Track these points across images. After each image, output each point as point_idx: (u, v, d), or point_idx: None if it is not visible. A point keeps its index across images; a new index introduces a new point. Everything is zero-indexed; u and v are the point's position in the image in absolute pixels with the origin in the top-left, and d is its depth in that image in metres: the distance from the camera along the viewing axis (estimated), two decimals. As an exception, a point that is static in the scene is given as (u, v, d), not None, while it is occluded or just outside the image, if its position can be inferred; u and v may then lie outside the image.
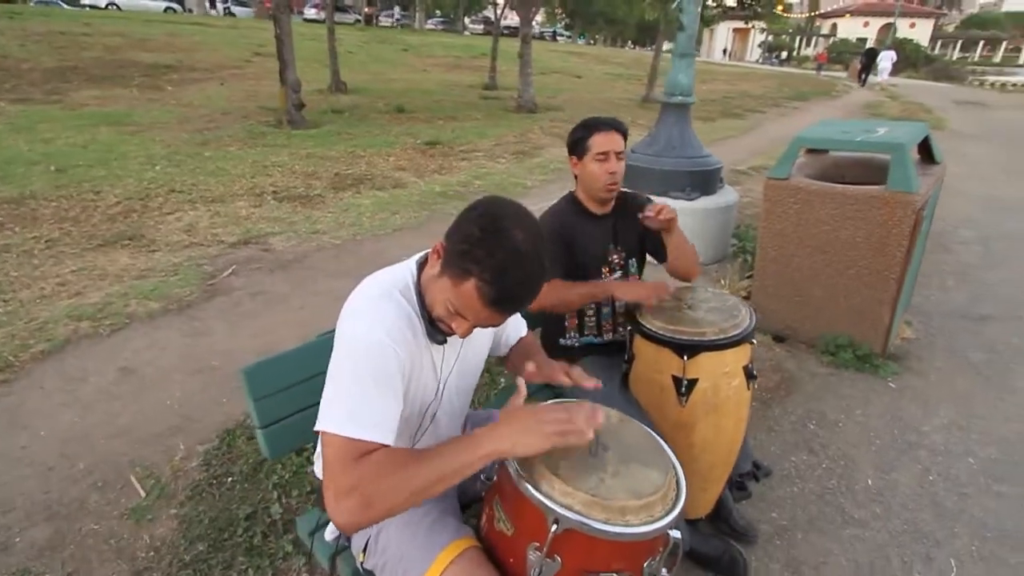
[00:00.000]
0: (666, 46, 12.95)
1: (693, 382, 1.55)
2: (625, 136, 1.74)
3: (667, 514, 1.00)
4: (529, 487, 0.99)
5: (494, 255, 0.93)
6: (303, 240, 4.11)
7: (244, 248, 3.95)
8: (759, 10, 10.58)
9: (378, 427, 0.95)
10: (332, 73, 10.68)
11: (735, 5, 10.92)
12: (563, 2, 11.56)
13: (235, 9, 29.56)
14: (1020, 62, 46.85)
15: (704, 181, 3.54)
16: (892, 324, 2.92)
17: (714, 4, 10.66)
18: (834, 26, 46.53)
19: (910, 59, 31.79)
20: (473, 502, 1.36)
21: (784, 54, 37.96)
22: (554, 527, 0.96)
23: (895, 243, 2.70)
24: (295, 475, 2.03)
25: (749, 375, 1.61)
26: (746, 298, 3.23)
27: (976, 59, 49.59)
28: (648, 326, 1.60)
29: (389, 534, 1.14)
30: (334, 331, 1.53)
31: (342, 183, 5.39)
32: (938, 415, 2.60)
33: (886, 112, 13.28)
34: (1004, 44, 54.47)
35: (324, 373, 1.47)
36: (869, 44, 33.73)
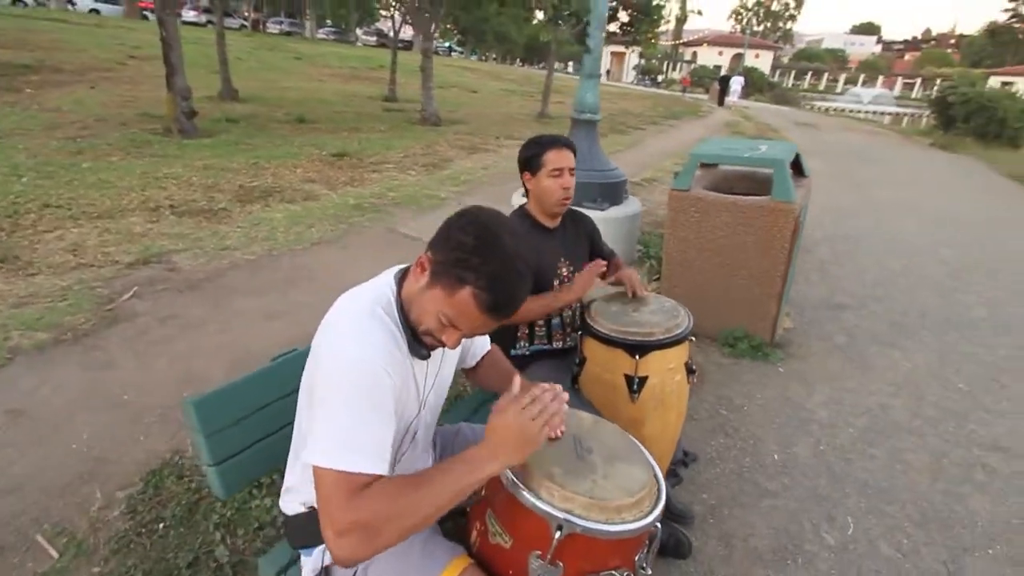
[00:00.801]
0: (572, 67, 13.41)
1: (644, 379, 1.62)
2: (575, 152, 1.79)
3: (654, 508, 1.04)
4: (529, 497, 0.98)
5: (488, 262, 0.92)
6: (212, 257, 3.76)
7: (144, 268, 3.54)
8: (638, 37, 11.35)
9: (374, 457, 0.90)
10: (223, 80, 9.92)
11: (618, 32, 11.62)
12: (456, 19, 11.66)
13: (101, 6, 26.51)
14: (838, 90, 53.94)
15: (612, 192, 3.71)
16: (778, 316, 3.24)
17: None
18: (695, 54, 50.97)
19: (757, 84, 35.50)
20: (449, 518, 1.32)
21: (657, 77, 40.84)
22: (558, 533, 0.96)
23: (779, 246, 3.00)
24: (239, 512, 1.84)
25: (689, 370, 1.71)
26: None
27: (806, 86, 56.44)
28: (601, 329, 1.65)
29: (379, 565, 1.06)
30: (288, 354, 1.44)
31: (248, 196, 5.01)
32: (819, 393, 2.92)
33: (743, 131, 14.72)
34: (825, 75, 62.52)
35: (280, 401, 1.38)
36: (723, 71, 37.39)
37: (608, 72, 46.84)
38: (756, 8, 57.47)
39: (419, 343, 1.03)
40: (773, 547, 1.91)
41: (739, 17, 59.58)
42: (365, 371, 0.92)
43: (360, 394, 0.91)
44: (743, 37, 50.50)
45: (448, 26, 12.37)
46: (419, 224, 4.66)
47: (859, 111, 36.31)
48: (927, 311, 4.06)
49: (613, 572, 1.01)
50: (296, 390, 1.42)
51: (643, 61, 44.01)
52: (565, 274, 1.87)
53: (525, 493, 0.98)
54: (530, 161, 1.76)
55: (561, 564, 0.98)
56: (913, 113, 36.55)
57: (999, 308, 4.25)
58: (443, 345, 1.02)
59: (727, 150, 3.16)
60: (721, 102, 25.29)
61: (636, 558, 1.04)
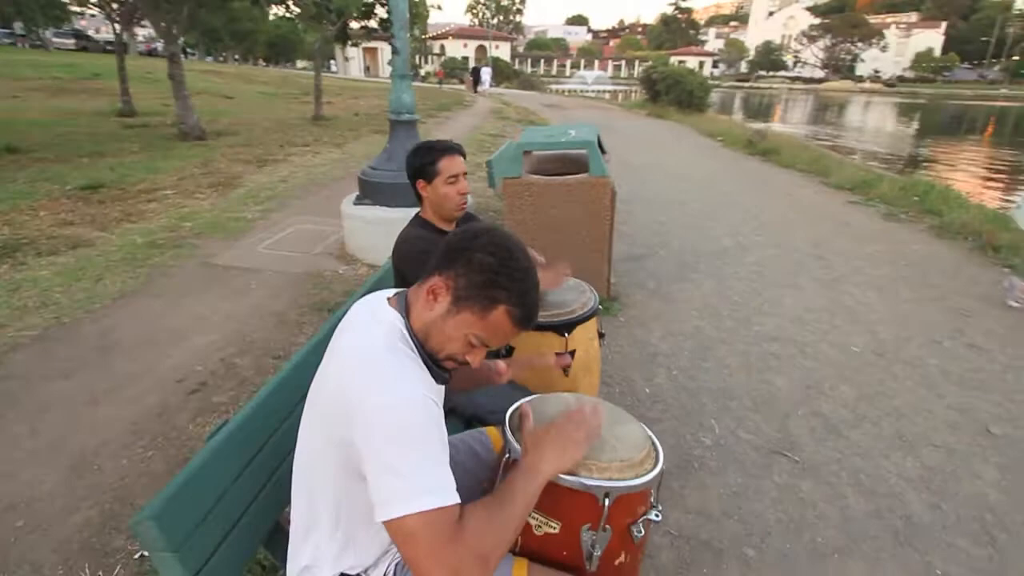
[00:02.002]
0: (333, 66, 12.71)
1: (572, 353, 1.77)
2: (465, 157, 1.81)
3: (659, 453, 1.19)
4: (574, 479, 1.05)
5: (515, 279, 0.95)
6: (-29, 344, 2.83)
7: None
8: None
9: (451, 488, 0.87)
10: None
11: (376, 27, 11.42)
12: (194, 18, 10.18)
13: None
14: (567, 74, 61.13)
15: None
16: (609, 274, 3.70)
17: (359, 26, 10.97)
18: (443, 46, 52.55)
19: (504, 73, 38.25)
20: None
21: (416, 71, 41.23)
22: (606, 501, 1.06)
23: (603, 214, 3.42)
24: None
25: (601, 335, 1.91)
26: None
27: (542, 72, 62.68)
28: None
29: None
30: (222, 427, 1.24)
31: (-20, 257, 3.84)
32: (654, 331, 3.44)
33: (509, 115, 15.87)
34: (555, 61, 70.18)
35: (236, 483, 1.20)
36: (471, 62, 39.49)
37: (367, 68, 45.80)
38: (488, 3, 61.61)
39: (439, 368, 1.01)
40: (674, 462, 2.26)
41: (475, 11, 63.28)
42: (417, 408, 0.88)
43: (421, 432, 0.87)
44: (483, 30, 53.80)
45: (170, 25, 10.62)
46: (236, 252, 4.12)
47: (586, 91, 41.62)
48: (696, 249, 5.01)
49: (645, 515, 1.13)
50: (250, 462, 1.26)
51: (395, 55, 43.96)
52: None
53: (567, 478, 1.05)
54: (424, 169, 1.75)
55: (609, 527, 1.08)
56: (626, 89, 43.31)
57: (738, 237, 5.44)
58: (465, 365, 1.01)
59: (547, 137, 3.46)
60: (475, 90, 26.86)
61: (652, 498, 1.18)
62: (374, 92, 21.26)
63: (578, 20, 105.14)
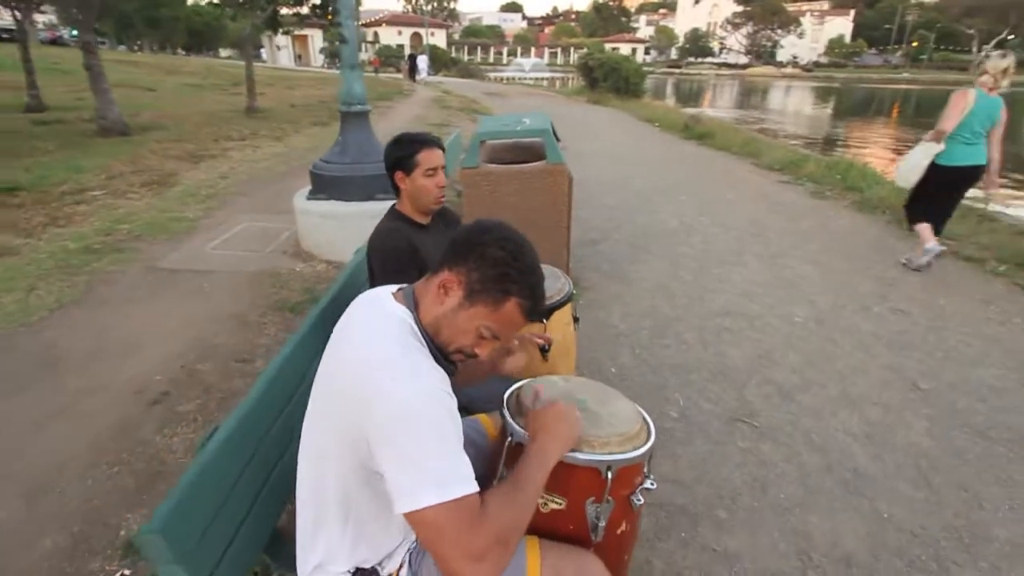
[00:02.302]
0: (264, 54, 12.12)
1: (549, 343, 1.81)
2: (444, 151, 1.80)
3: (650, 426, 1.26)
4: (578, 455, 1.10)
5: (526, 273, 0.98)
6: None
7: None
8: (335, 20, 10.88)
9: (471, 477, 0.89)
10: None
11: (308, 13, 10.93)
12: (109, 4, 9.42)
13: None
14: (504, 62, 60.88)
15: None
16: (568, 259, 3.77)
17: (291, 12, 10.47)
18: (376, 34, 51.01)
19: (442, 60, 37.65)
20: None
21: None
22: (608, 474, 1.11)
23: (561, 201, 3.48)
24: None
25: (575, 320, 1.97)
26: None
27: (479, 60, 62.13)
28: None
29: None
30: (213, 434, 1.20)
31: None
32: (614, 312, 3.55)
33: (451, 104, 15.69)
34: (492, 48, 69.66)
35: (237, 485, 1.18)
36: (407, 50, 38.60)
37: (299, 57, 43.87)
38: (421, -11, 60.40)
39: (447, 361, 1.02)
40: (646, 434, 2.36)
41: (408, -2, 61.86)
42: (434, 400, 0.89)
43: (439, 423, 0.88)
44: (418, 16, 52.59)
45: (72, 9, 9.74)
46: (183, 254, 3.90)
47: (524, 78, 41.67)
48: (645, 231, 5.18)
49: (641, 485, 1.20)
50: (246, 467, 1.23)
51: (327, 44, 42.38)
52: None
53: (574, 455, 1.09)
54: (403, 161, 1.73)
55: (611, 499, 1.13)
56: (563, 76, 43.66)
57: (683, 218, 5.66)
58: (473, 357, 1.04)
59: (503, 127, 3.47)
60: (412, 79, 26.29)
61: (645, 469, 1.25)
62: (308, 82, 20.45)
63: (512, 7, 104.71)
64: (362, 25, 48.74)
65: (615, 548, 1.18)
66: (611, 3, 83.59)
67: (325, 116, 11.41)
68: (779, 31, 78.37)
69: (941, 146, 3.83)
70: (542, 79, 41.93)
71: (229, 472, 1.17)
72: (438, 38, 49.70)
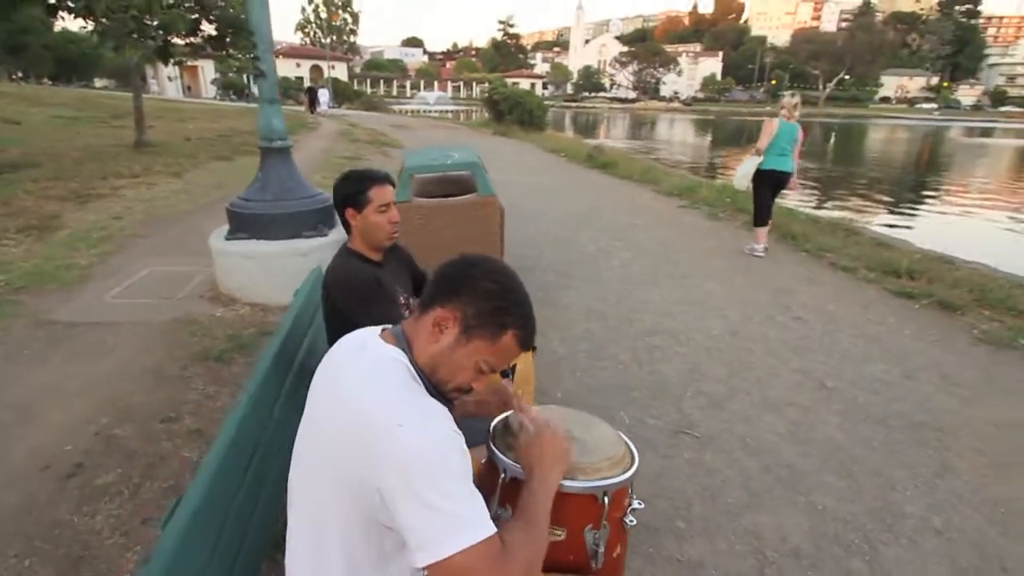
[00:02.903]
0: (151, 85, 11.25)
1: (514, 366, 1.82)
2: (395, 187, 1.78)
3: (631, 447, 1.30)
4: (574, 484, 1.11)
5: (519, 303, 0.99)
6: None
7: None
8: (235, 53, 10.34)
9: (488, 515, 0.87)
10: None
11: (203, 45, 10.35)
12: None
13: None
14: (408, 95, 61.14)
15: (327, 216, 3.58)
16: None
17: (183, 43, 9.84)
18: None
19: (344, 94, 37.06)
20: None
21: (246, 92, 37.92)
22: (605, 499, 1.13)
23: (494, 232, 3.54)
24: None
25: (533, 348, 1.99)
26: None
27: (382, 92, 61.87)
28: None
29: None
30: (179, 507, 1.10)
31: None
32: (552, 338, 3.61)
33: (359, 137, 15.41)
34: (395, 82, 69.76)
35: (210, 560, 1.07)
36: (306, 82, 37.64)
37: (188, 88, 41.27)
38: (320, 23, 59.11)
39: (444, 399, 1.00)
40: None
41: (306, 31, 60.30)
42: (447, 442, 0.87)
43: (455, 466, 0.86)
44: (317, 49, 51.51)
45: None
46: (78, 305, 3.46)
47: (429, 111, 42.07)
48: (567, 258, 5.36)
49: (631, 506, 1.23)
50: (222, 531, 1.14)
51: (219, 75, 40.23)
52: (405, 303, 1.87)
53: (573, 484, 1.10)
54: (354, 198, 1.69)
55: (607, 523, 1.15)
56: (466, 109, 44.58)
57: (599, 243, 5.93)
58: (468, 393, 1.03)
59: (432, 161, 3.49)
60: (312, 111, 25.71)
61: (630, 491, 1.29)
62: (201, 114, 19.22)
63: (413, 42, 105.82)
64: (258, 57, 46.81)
65: (611, 572, 1.20)
66: (509, 41, 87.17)
67: (226, 150, 10.76)
68: (660, 69, 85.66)
69: (760, 158, 5.34)
70: (446, 112, 42.48)
71: (203, 545, 1.06)
72: (339, 71, 48.91)
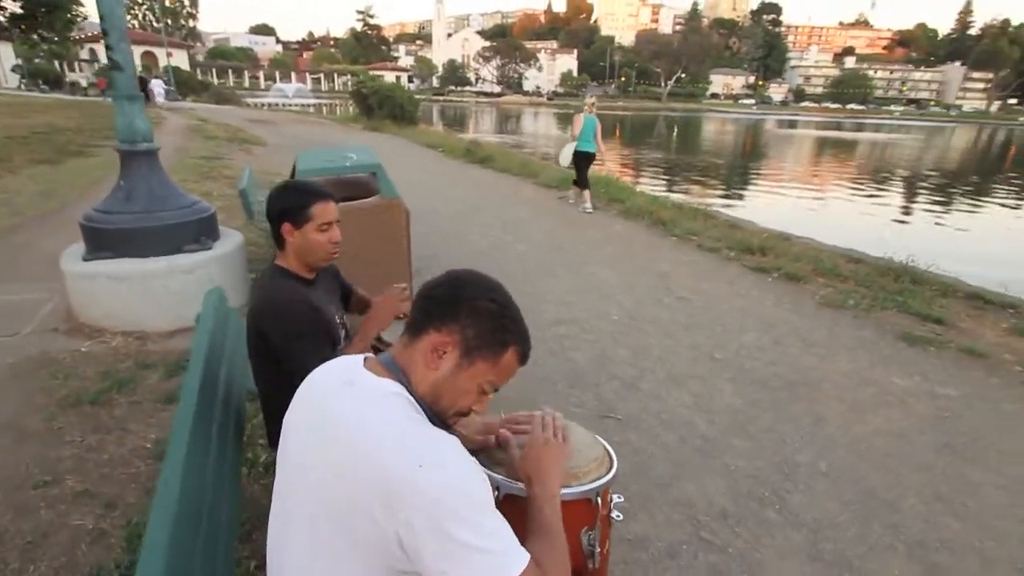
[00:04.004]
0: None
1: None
2: (337, 202, 1.62)
3: (606, 444, 1.33)
4: (577, 490, 1.12)
5: (517, 319, 0.97)
6: None
7: None
8: (46, 34, 8.66)
9: (517, 540, 0.84)
10: None
11: (7, 25, 8.58)
12: None
13: None
14: (263, 87, 56.21)
15: (210, 227, 3.17)
16: (413, 289, 3.69)
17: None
18: (93, 51, 42.31)
19: (189, 84, 33.04)
20: None
21: (64, 80, 32.04)
22: (598, 500, 1.15)
23: (400, 235, 3.40)
24: None
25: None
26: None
27: (232, 84, 56.23)
28: (382, 347, 1.65)
29: None
30: None
31: None
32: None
33: (215, 134, 13.86)
34: (246, 72, 63.76)
35: None
36: (138, 71, 32.98)
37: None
38: (150, 5, 51.72)
39: (445, 427, 0.95)
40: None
41: (134, 13, 52.36)
42: (470, 475, 0.83)
43: (481, 499, 0.82)
44: (150, 34, 45.14)
45: None
46: None
47: (288, 104, 39.05)
48: (461, 254, 5.35)
49: (612, 501, 1.27)
50: None
51: (23, 61, 33.73)
52: (340, 322, 1.73)
53: (571, 490, 1.10)
54: (294, 213, 1.52)
55: (598, 524, 1.18)
56: (329, 103, 42.13)
57: (491, 239, 5.99)
58: (467, 415, 0.98)
59: (328, 163, 3.24)
60: (147, 103, 22.74)
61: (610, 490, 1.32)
62: (3, 108, 15.97)
63: (264, 30, 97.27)
64: (75, 41, 40.01)
65: (603, 568, 1.23)
66: (370, 32, 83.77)
67: (49, 152, 9.07)
68: (522, 65, 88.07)
69: (575, 143, 7.46)
70: (308, 106, 39.76)
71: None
72: (179, 59, 43.43)
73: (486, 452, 1.19)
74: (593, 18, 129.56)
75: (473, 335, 0.91)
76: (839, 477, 2.33)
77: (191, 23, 55.19)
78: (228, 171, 8.89)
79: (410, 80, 72.18)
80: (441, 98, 73.96)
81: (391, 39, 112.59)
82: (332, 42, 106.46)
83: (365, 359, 0.98)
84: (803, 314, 4.20)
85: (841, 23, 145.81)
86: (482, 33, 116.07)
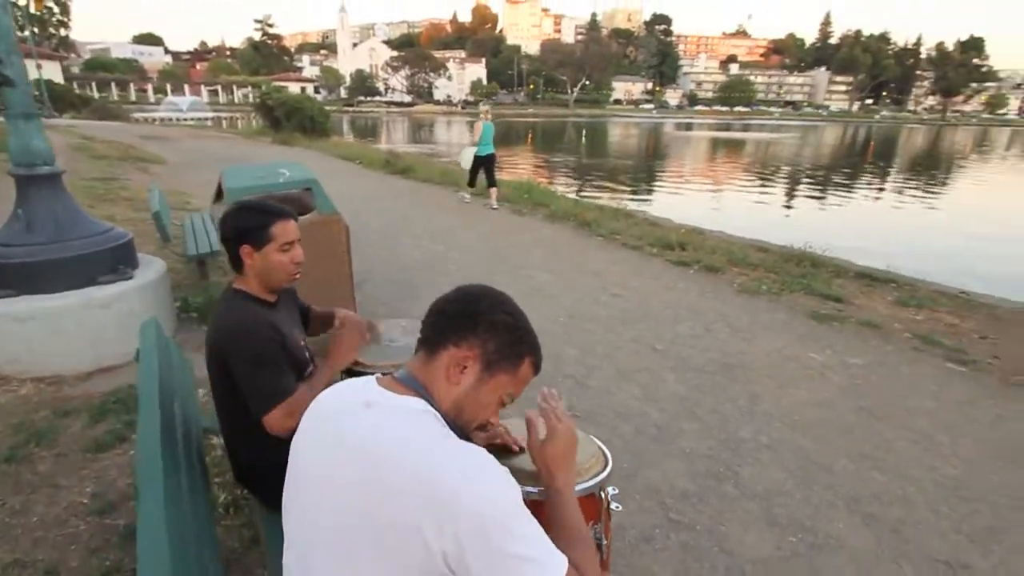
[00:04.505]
0: None
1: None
2: (297, 220, 1.54)
3: (596, 440, 1.38)
4: (590, 485, 1.15)
5: (529, 330, 0.99)
6: None
7: None
8: None
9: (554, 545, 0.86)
10: None
11: None
12: None
13: None
14: (153, 100, 51.81)
15: (127, 254, 2.88)
16: (356, 310, 3.57)
17: None
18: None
19: (65, 100, 29.73)
20: None
21: None
22: (602, 493, 1.20)
23: (341, 252, 3.29)
24: None
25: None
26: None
27: (117, 98, 51.33)
28: (361, 369, 1.60)
29: None
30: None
31: None
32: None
33: (106, 153, 12.60)
34: (131, 85, 58.51)
35: None
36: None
37: None
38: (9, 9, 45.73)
39: (467, 439, 0.95)
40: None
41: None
42: (508, 488, 0.83)
43: (521, 507, 0.82)
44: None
45: None
46: None
47: (183, 119, 36.28)
48: (399, 266, 5.26)
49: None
50: None
51: None
52: (304, 345, 1.65)
53: (582, 486, 1.13)
54: (253, 234, 1.43)
55: (602, 518, 1.22)
56: (229, 116, 39.64)
57: (424, 249, 5.93)
58: (485, 428, 1.00)
59: (259, 179, 3.06)
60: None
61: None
62: None
63: (149, 39, 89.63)
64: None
65: (608, 559, 1.27)
66: (270, 42, 79.80)
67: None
68: (432, 74, 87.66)
69: (475, 147, 8.23)
70: (206, 120, 37.15)
71: None
72: (51, 71, 38.99)
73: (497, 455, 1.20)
74: (498, 28, 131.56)
75: (493, 348, 0.92)
76: (779, 448, 2.55)
77: (62, 31, 49.63)
78: (127, 193, 8.17)
79: (316, 91, 69.44)
80: (351, 109, 71.86)
81: (293, 49, 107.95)
82: (228, 52, 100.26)
83: (376, 379, 0.96)
84: (725, 302, 4.52)
85: (724, 33, 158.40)
86: (389, 43, 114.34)
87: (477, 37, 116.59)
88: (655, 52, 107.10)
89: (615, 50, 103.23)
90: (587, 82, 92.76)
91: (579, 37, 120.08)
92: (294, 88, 36.26)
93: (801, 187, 17.45)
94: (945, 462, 2.47)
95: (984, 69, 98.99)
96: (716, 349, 3.61)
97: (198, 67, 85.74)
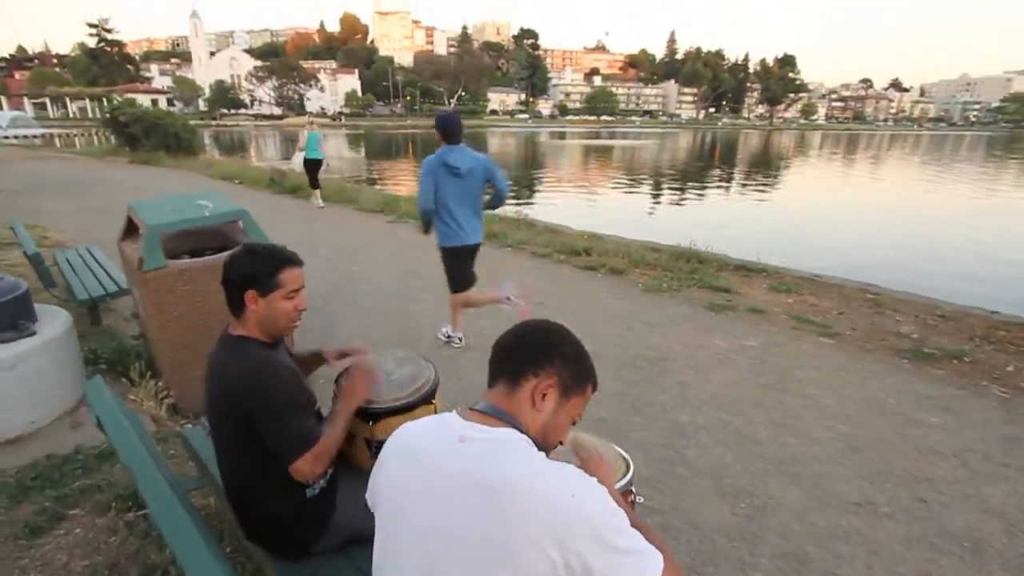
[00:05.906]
0: None
1: (382, 442, 1.73)
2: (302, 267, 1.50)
3: (616, 447, 1.53)
4: (622, 484, 1.29)
5: (589, 356, 1.11)
6: None
7: None
8: None
9: None
10: None
11: None
12: None
13: None
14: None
15: (25, 307, 2.47)
16: (293, 345, 3.39)
17: None
18: None
19: None
20: None
21: None
22: (632, 488, 1.35)
23: (275, 286, 3.11)
24: None
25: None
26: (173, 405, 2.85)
27: (-95, 112, 42.13)
28: (366, 407, 1.59)
29: None
30: None
31: None
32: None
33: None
34: (-76, 96, 48.48)
35: None
36: None
37: None
38: None
39: None
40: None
41: None
42: (605, 493, 0.91)
43: (617, 508, 0.91)
44: None
45: None
46: None
47: (4, 137, 30.78)
48: (316, 293, 5.03)
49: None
50: None
51: None
52: (307, 385, 1.61)
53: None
54: (261, 281, 1.37)
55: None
56: (66, 133, 34.36)
57: (340, 272, 5.73)
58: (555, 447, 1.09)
59: (179, 213, 2.81)
60: None
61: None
62: None
63: (-58, 43, 74.72)
64: None
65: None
66: (109, 49, 70.35)
67: None
68: (302, 85, 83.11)
69: (303, 152, 9.62)
70: (33, 137, 31.83)
71: None
72: None
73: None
74: (369, 39, 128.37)
75: (568, 376, 1.03)
76: (713, 427, 2.89)
77: None
78: (-42, 230, 6.85)
79: (171, 103, 62.58)
80: (214, 122, 65.80)
81: (138, 57, 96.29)
82: (55, 60, 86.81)
83: (458, 414, 1.00)
84: (636, 301, 4.94)
85: (586, 47, 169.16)
86: (251, 52, 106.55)
87: (348, 47, 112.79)
88: (525, 64, 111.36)
89: (488, 62, 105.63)
90: (463, 93, 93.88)
91: (451, 49, 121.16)
92: (144, 100, 32.42)
93: (669, 188, 19.28)
94: (836, 421, 2.97)
95: (798, 82, 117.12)
96: (639, 346, 3.95)
97: (17, 76, 73.21)
